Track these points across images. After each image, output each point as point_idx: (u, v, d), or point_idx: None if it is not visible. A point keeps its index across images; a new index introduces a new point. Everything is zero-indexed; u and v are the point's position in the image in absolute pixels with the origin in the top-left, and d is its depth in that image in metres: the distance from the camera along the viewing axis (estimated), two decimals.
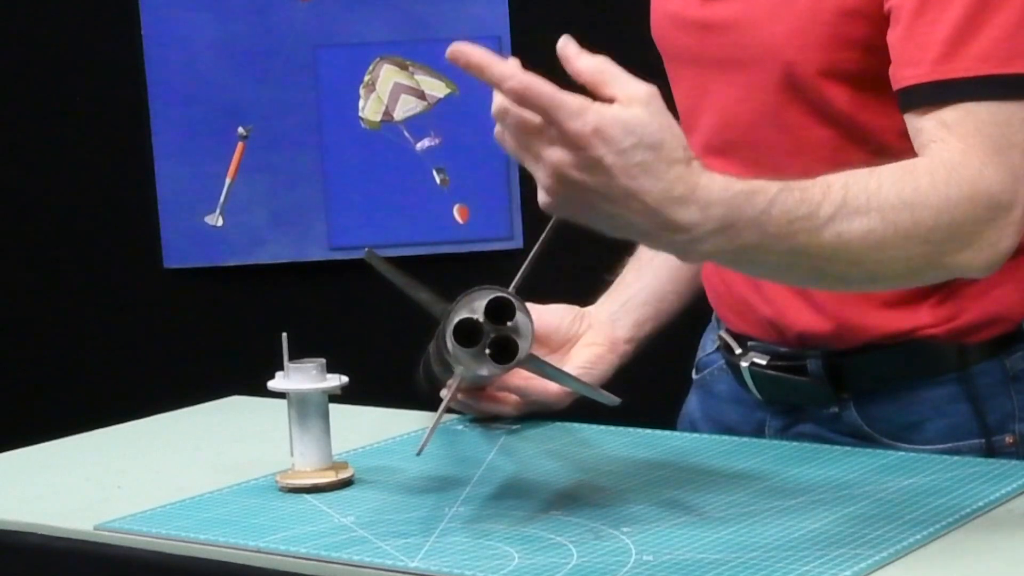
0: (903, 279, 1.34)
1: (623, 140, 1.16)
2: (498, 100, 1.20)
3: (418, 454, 1.31)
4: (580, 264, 1.76)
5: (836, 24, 1.44)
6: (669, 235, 1.20)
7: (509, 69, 1.18)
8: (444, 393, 1.60)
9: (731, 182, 1.21)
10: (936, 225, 1.28)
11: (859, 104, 1.47)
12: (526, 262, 1.41)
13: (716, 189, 1.20)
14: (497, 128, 1.23)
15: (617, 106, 1.17)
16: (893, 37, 1.41)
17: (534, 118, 1.18)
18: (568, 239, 1.42)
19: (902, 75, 1.39)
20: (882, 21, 1.43)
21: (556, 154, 1.17)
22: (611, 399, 1.39)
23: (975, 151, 1.32)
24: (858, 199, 1.25)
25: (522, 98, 1.17)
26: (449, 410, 1.65)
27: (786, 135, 1.51)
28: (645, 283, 1.72)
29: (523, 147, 1.21)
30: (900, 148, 1.45)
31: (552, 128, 1.17)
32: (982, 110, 1.34)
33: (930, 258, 1.29)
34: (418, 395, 1.69)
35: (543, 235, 1.40)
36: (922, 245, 1.28)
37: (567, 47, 1.20)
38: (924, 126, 1.37)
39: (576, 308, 1.69)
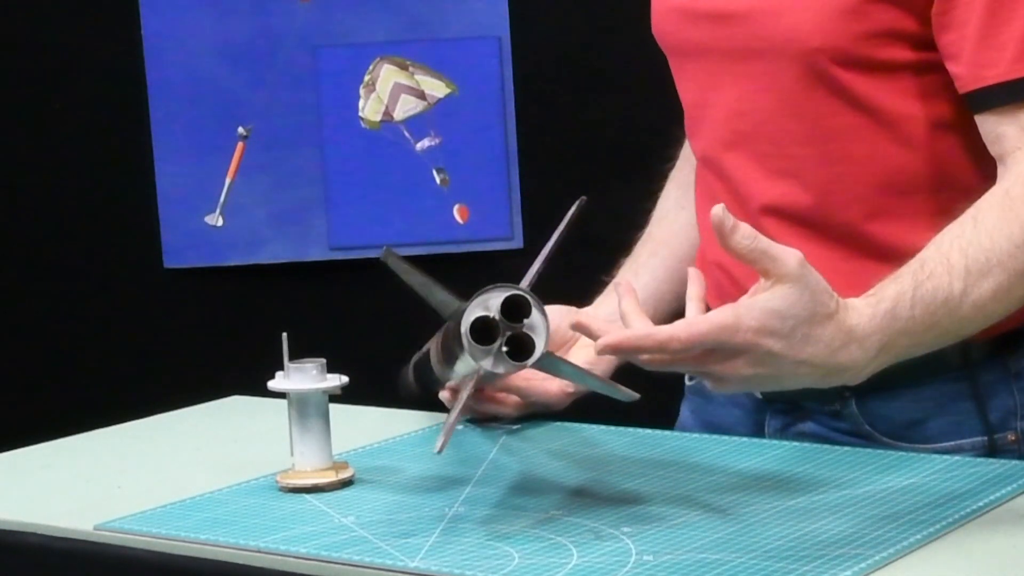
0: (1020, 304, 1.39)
1: (783, 326, 1.22)
2: (645, 356, 1.25)
3: (438, 452, 1.30)
4: (577, 265, 1.76)
5: (863, 12, 1.44)
6: (836, 377, 1.27)
7: (665, 333, 1.22)
8: (447, 390, 1.60)
9: (874, 306, 1.28)
10: None
11: (885, 92, 1.47)
12: (539, 260, 1.41)
13: (866, 321, 1.27)
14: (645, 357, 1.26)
15: (766, 296, 1.23)
16: (957, 39, 1.42)
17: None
18: (565, 241, 1.42)
19: (976, 76, 1.41)
20: (912, 10, 1.43)
21: (728, 367, 1.24)
22: (629, 395, 1.39)
23: None
24: (979, 261, 1.33)
25: (689, 350, 1.22)
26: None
27: (806, 124, 1.50)
28: (642, 283, 1.72)
29: (681, 367, 1.27)
30: (925, 137, 1.46)
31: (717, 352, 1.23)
32: None
33: None
34: (401, 396, 1.69)
35: (558, 233, 1.40)
36: None
37: (724, 221, 1.23)
38: (1005, 132, 1.39)
39: (574, 309, 1.68)
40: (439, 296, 1.38)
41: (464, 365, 1.38)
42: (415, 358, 1.64)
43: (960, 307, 1.32)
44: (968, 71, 1.41)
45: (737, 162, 1.55)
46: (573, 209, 1.42)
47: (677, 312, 1.73)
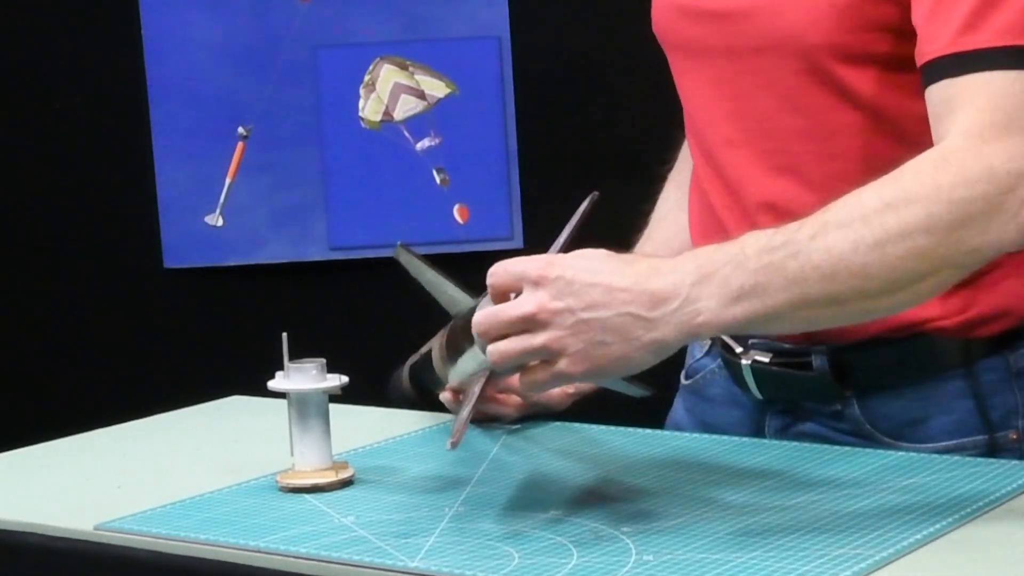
0: (933, 277, 1.31)
1: (587, 262, 1.28)
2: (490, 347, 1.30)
3: (451, 448, 1.30)
4: (555, 239, 1.76)
5: (859, 7, 1.44)
6: (663, 309, 1.26)
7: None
8: (449, 391, 1.60)
9: (692, 252, 1.30)
10: (930, 215, 1.28)
11: (884, 87, 1.47)
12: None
13: (677, 257, 1.29)
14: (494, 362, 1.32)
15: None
16: (918, 18, 1.41)
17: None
18: (570, 239, 1.42)
19: (923, 51, 1.39)
20: (904, 3, 1.43)
21: (531, 300, 1.27)
22: (641, 390, 1.39)
23: (984, 126, 1.32)
24: (839, 215, 1.29)
25: (507, 285, 1.30)
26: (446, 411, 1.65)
27: (807, 121, 1.50)
28: None
29: (521, 347, 1.29)
30: (926, 134, 1.45)
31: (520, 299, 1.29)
32: (998, 80, 1.33)
33: (945, 247, 1.29)
34: (392, 398, 1.69)
35: (571, 227, 1.40)
36: (924, 236, 1.28)
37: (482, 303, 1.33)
38: (933, 100, 1.36)
39: None
40: (450, 293, 1.38)
41: (473, 361, 1.38)
42: (411, 361, 1.63)
43: (809, 252, 1.27)
44: (918, 49, 1.40)
45: (737, 159, 1.55)
46: (586, 204, 1.42)
47: None
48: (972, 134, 1.32)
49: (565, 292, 1.27)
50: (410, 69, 3.33)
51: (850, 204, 1.30)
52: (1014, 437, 1.53)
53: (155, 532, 1.35)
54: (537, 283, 1.28)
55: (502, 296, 1.31)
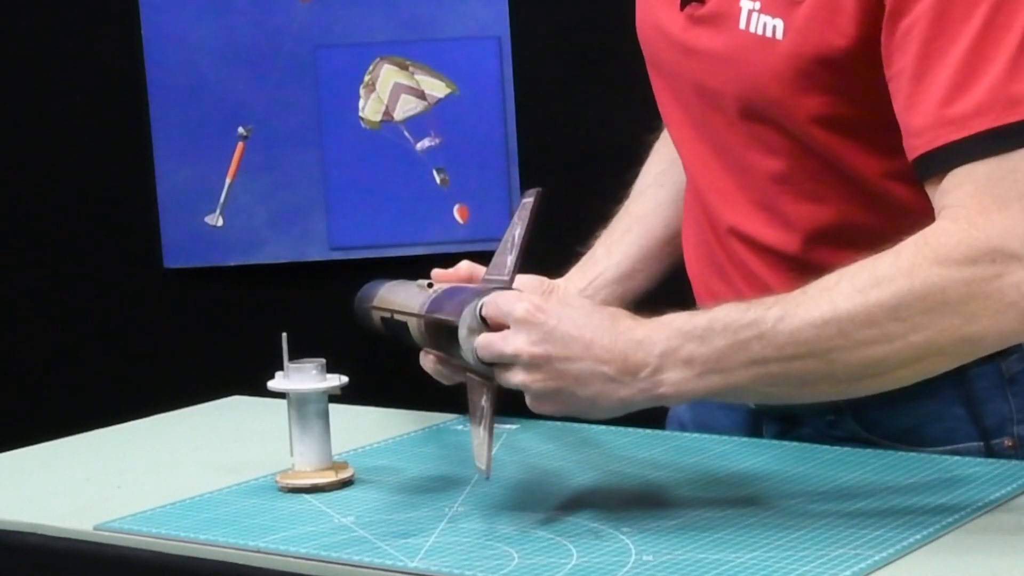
0: (916, 364, 1.29)
1: (553, 306, 1.31)
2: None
3: (487, 477, 1.32)
4: (576, 264, 1.77)
5: (816, 73, 1.41)
6: (631, 376, 1.28)
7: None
8: (431, 358, 1.60)
9: (666, 318, 1.31)
10: (900, 298, 1.25)
11: (841, 146, 1.44)
12: (514, 254, 1.41)
13: (651, 324, 1.30)
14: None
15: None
16: (897, 107, 1.36)
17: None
18: (559, 240, 1.43)
19: (910, 146, 1.34)
20: (862, 69, 1.38)
21: (513, 342, 1.30)
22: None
23: (971, 210, 1.27)
24: (811, 298, 1.28)
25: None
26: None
27: (777, 163, 1.47)
28: (614, 260, 1.72)
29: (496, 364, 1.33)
30: (884, 189, 1.43)
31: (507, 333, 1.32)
32: (981, 168, 1.28)
33: (922, 335, 1.26)
34: (357, 319, 1.68)
35: (524, 228, 1.42)
36: (894, 324, 1.25)
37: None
38: (928, 193, 1.33)
39: (545, 280, 1.68)
40: (403, 301, 1.40)
41: (468, 358, 1.39)
42: (381, 314, 1.60)
43: (774, 333, 1.26)
44: (905, 143, 1.35)
45: (712, 184, 1.54)
46: (531, 200, 1.45)
47: (644, 290, 1.72)
48: (959, 217, 1.28)
49: (546, 339, 1.29)
50: (410, 69, 3.33)
51: (825, 287, 1.28)
52: (1009, 444, 1.52)
53: (155, 532, 1.35)
54: (521, 324, 1.30)
55: (497, 327, 1.33)
